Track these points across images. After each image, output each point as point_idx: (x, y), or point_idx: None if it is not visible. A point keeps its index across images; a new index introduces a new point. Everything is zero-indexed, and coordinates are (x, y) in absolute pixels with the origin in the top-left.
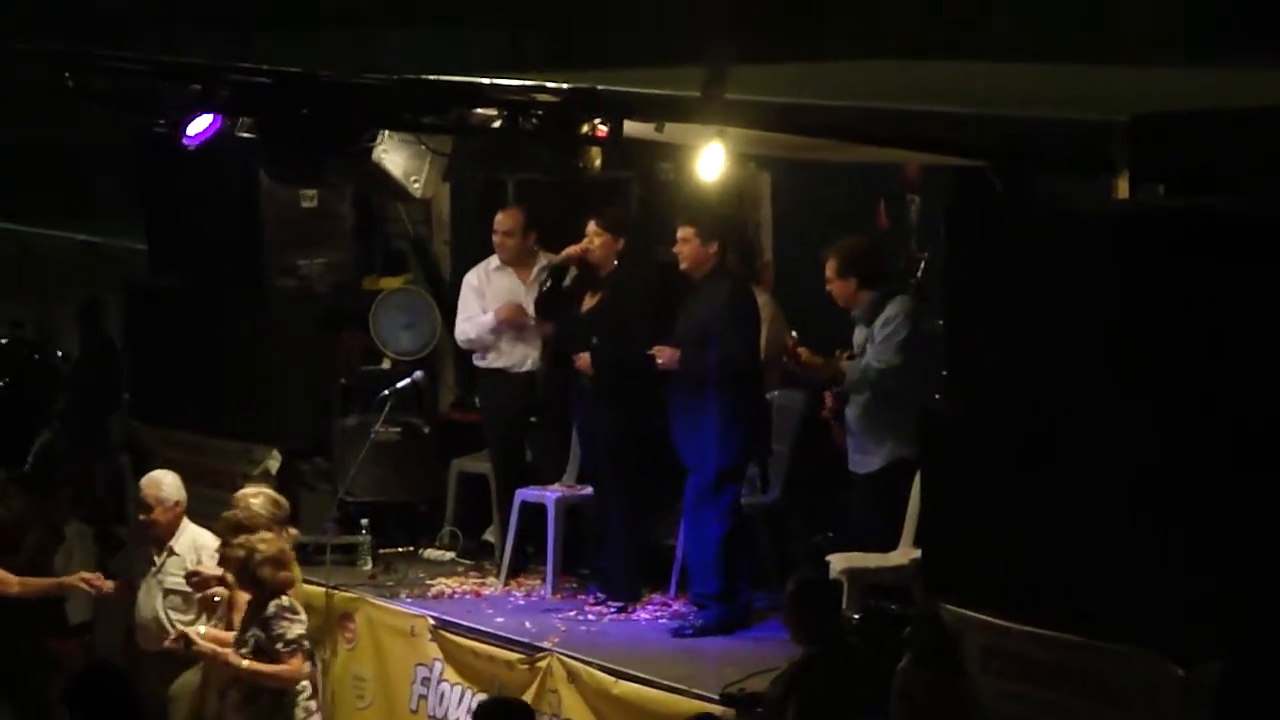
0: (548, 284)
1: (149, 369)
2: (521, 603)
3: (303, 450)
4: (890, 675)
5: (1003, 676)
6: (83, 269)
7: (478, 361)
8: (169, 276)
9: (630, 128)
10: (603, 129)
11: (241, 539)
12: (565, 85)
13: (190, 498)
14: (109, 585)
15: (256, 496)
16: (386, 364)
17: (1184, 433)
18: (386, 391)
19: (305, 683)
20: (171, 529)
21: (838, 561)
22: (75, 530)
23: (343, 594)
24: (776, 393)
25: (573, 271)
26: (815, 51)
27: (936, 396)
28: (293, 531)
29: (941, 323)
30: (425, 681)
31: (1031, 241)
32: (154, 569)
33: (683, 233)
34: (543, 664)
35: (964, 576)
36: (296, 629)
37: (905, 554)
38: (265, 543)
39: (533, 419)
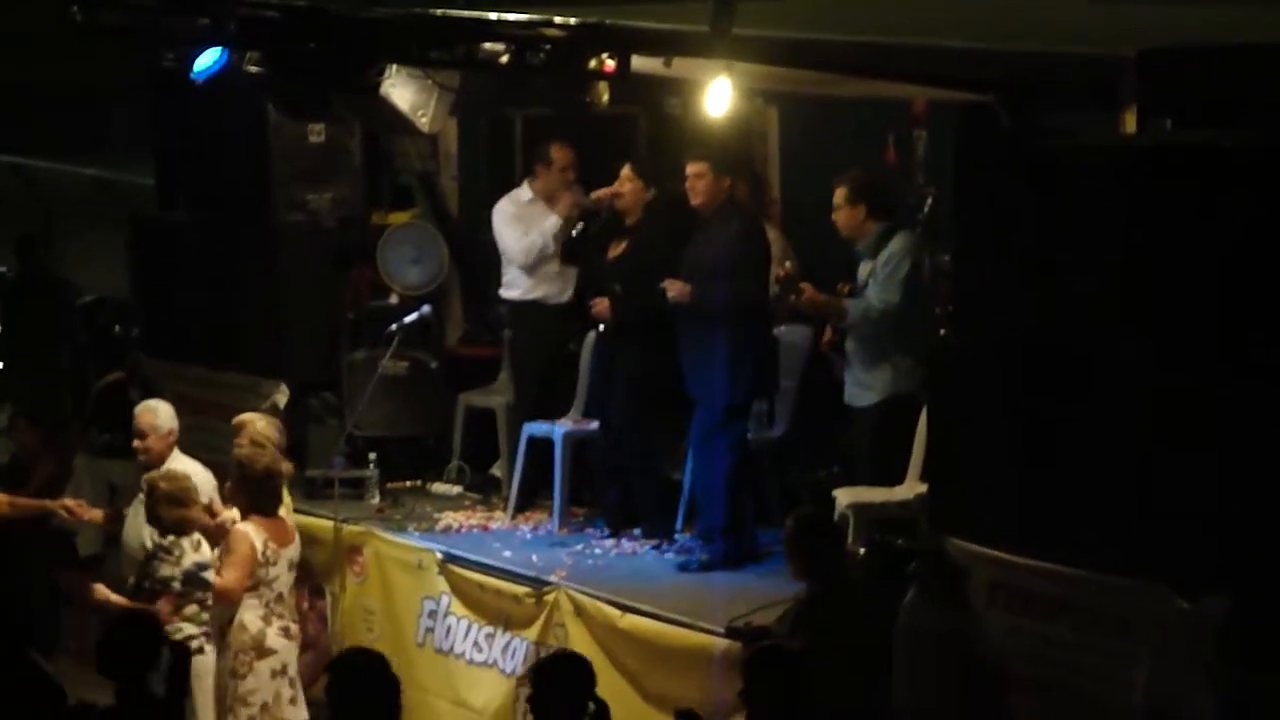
0: (579, 228)
1: (157, 304)
2: (529, 537)
3: (311, 385)
4: (896, 610)
5: (1008, 611)
6: (93, 204)
7: (508, 294)
8: (177, 211)
9: (638, 63)
10: (610, 64)
11: (147, 474)
12: (573, 20)
13: (199, 431)
14: (93, 514)
15: (261, 419)
16: (394, 299)
17: (1192, 366)
18: (394, 326)
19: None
20: (163, 456)
21: (843, 496)
22: (83, 463)
23: (350, 528)
24: (784, 328)
25: (599, 217)
26: None
27: (942, 331)
28: (288, 466)
29: (948, 257)
30: (432, 615)
31: (1039, 176)
32: (142, 497)
33: (695, 168)
34: (550, 598)
35: (970, 511)
36: (166, 569)
37: (911, 488)
38: (166, 480)
39: (571, 346)
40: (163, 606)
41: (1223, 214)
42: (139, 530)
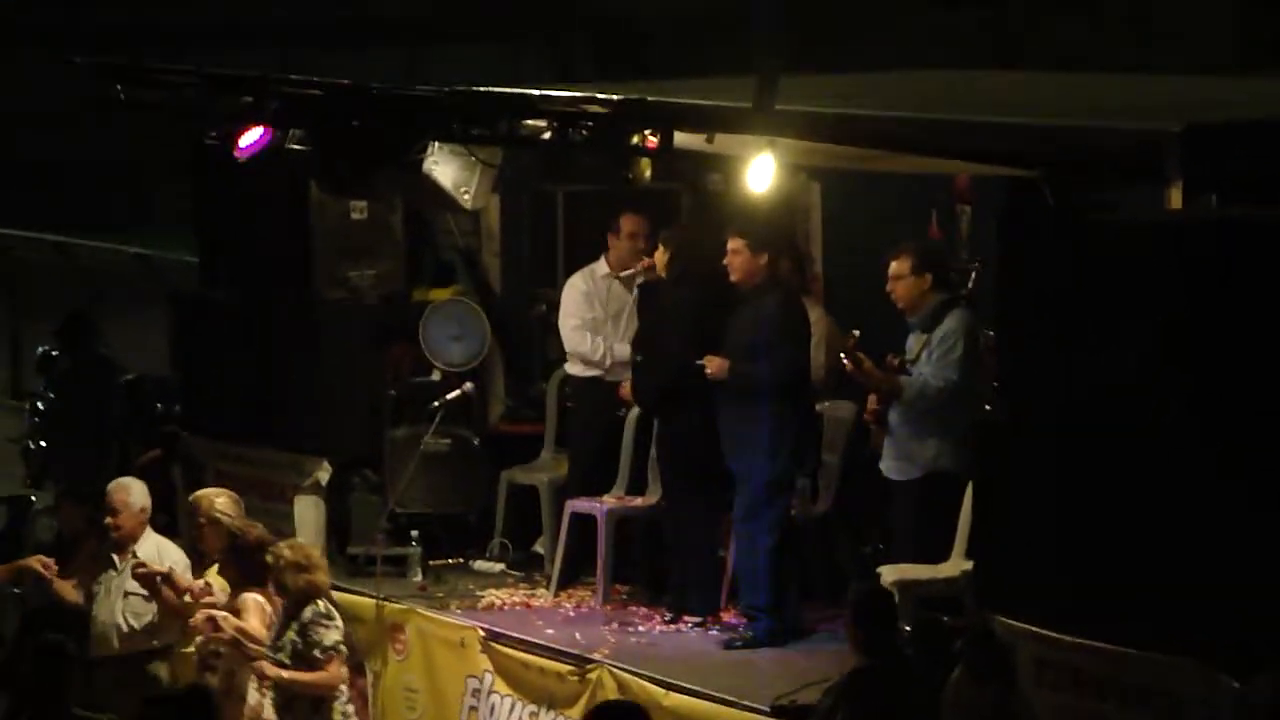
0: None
1: (198, 381)
2: (572, 614)
3: (353, 461)
4: (942, 688)
5: (1055, 689)
6: (135, 281)
7: (571, 369)
8: (220, 288)
9: (680, 139)
10: (653, 140)
11: (270, 546)
12: (615, 96)
13: (244, 510)
14: (61, 583)
15: (219, 496)
16: (436, 375)
17: (1239, 445)
18: (436, 403)
19: (343, 686)
20: (135, 535)
21: (888, 573)
22: None
23: (393, 605)
24: (828, 403)
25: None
26: (867, 61)
27: (988, 407)
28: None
29: (992, 333)
30: (475, 693)
31: (1084, 251)
32: (115, 573)
33: (733, 244)
34: (593, 675)
35: (1016, 588)
36: (333, 635)
37: (956, 565)
38: (291, 548)
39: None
40: (335, 671)
41: (1269, 290)
42: (111, 606)
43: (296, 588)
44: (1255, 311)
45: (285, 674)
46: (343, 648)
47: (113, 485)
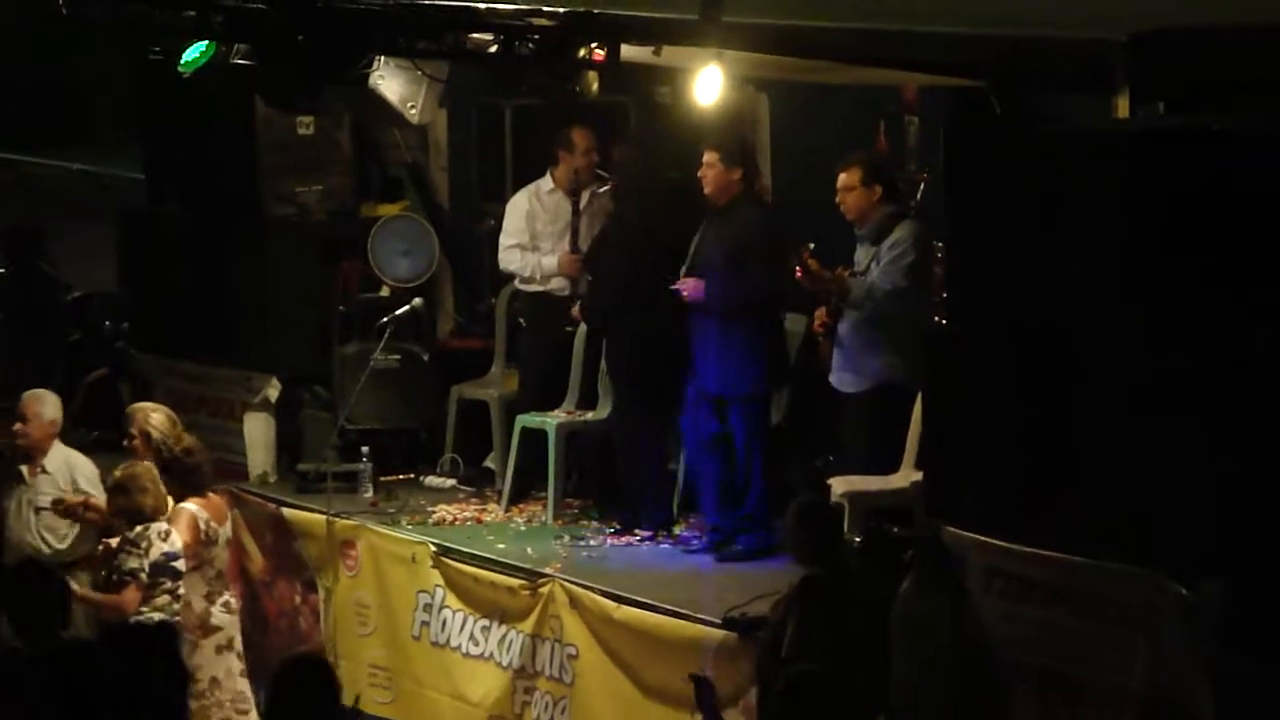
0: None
1: (147, 298)
2: (523, 529)
3: (302, 378)
4: (891, 598)
5: (1004, 598)
6: (82, 199)
7: (521, 285)
8: (167, 205)
9: (627, 52)
10: (600, 53)
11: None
12: (561, 9)
13: (192, 428)
14: None
15: (155, 412)
16: (385, 291)
17: (1187, 349)
18: (386, 319)
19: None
20: (43, 447)
21: (838, 485)
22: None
23: (344, 522)
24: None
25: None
26: None
27: (937, 318)
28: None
29: (940, 244)
30: (427, 608)
31: (1031, 161)
32: (24, 487)
33: (707, 158)
34: (545, 590)
35: (966, 499)
36: (132, 561)
37: (906, 477)
38: (121, 471)
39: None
40: (129, 597)
41: (1215, 197)
42: (23, 520)
43: (117, 509)
44: (1200, 217)
45: (79, 591)
46: (142, 575)
47: (27, 395)
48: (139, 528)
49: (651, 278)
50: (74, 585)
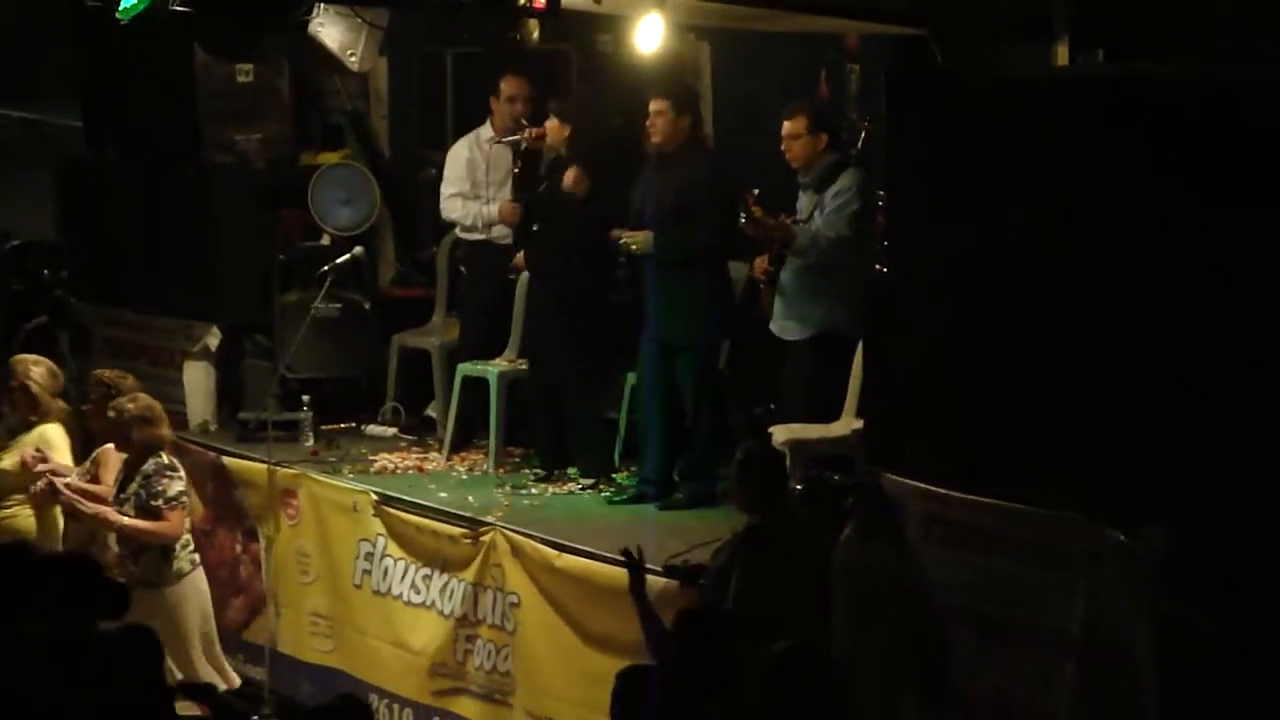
0: (518, 168)
1: (86, 247)
2: (464, 478)
3: (243, 327)
4: (832, 545)
5: (944, 545)
6: (19, 146)
7: (463, 234)
8: (105, 152)
9: None
10: (540, 0)
11: (111, 401)
12: None
13: (132, 375)
14: None
15: (36, 365)
16: (326, 240)
17: (1126, 297)
18: (326, 267)
19: (187, 536)
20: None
21: (779, 433)
22: None
23: (285, 470)
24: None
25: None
26: None
27: (878, 267)
28: (62, 405)
29: (882, 192)
30: (369, 557)
31: (972, 109)
32: None
33: (656, 105)
34: (486, 538)
35: (906, 447)
36: (176, 485)
37: (847, 425)
38: (133, 402)
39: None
40: (178, 520)
41: (1154, 145)
42: None
43: (141, 440)
44: (1139, 167)
45: (128, 522)
46: (185, 498)
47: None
48: (162, 455)
49: (592, 224)
50: (119, 518)
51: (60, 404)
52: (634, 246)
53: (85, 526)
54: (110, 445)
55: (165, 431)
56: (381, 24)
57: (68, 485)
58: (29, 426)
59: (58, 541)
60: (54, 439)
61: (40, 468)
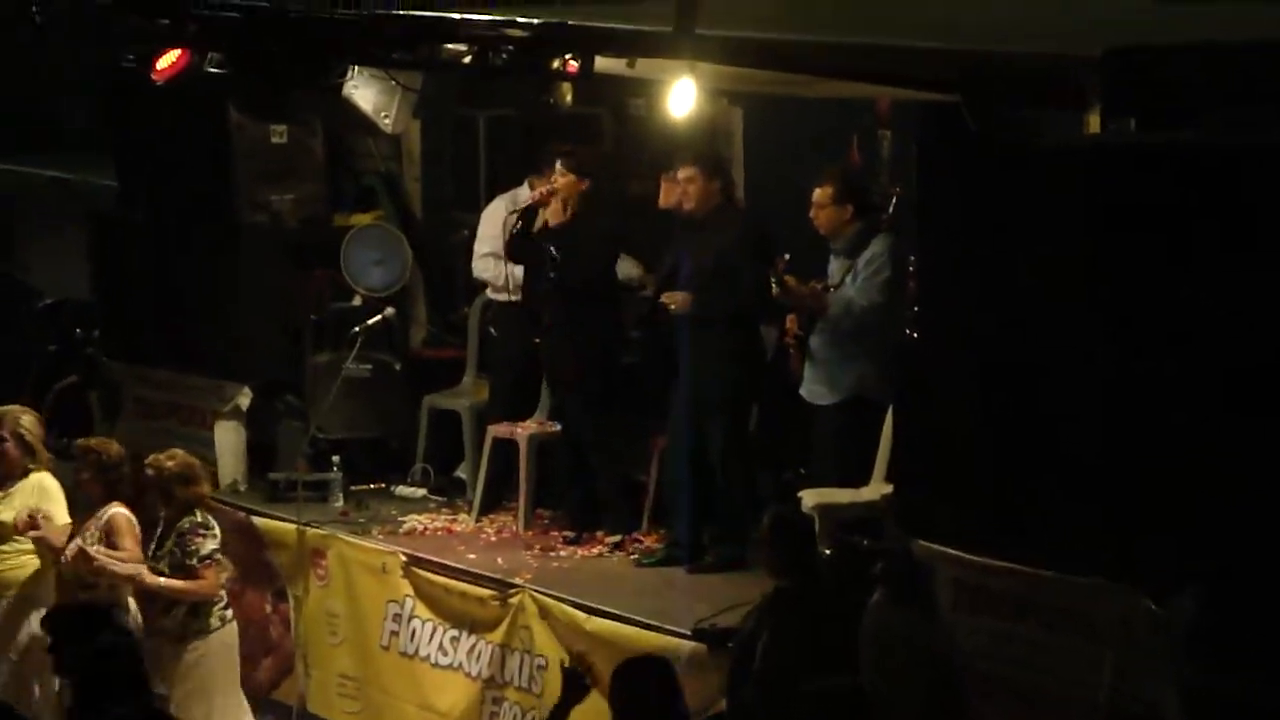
0: (518, 226)
1: (118, 305)
2: (493, 539)
3: (274, 387)
4: (861, 611)
5: (974, 611)
6: (52, 204)
7: (493, 295)
8: (138, 211)
9: (601, 63)
10: (573, 64)
11: (149, 458)
12: (535, 20)
13: (163, 435)
14: None
15: (24, 414)
16: (357, 300)
17: (1159, 367)
18: (357, 328)
19: (222, 592)
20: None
21: (809, 497)
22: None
23: (314, 531)
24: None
25: (542, 215)
26: None
27: (909, 332)
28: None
29: (913, 258)
30: (397, 618)
31: (1003, 176)
32: None
33: (686, 172)
34: (515, 600)
35: (936, 512)
36: (209, 544)
37: (876, 490)
38: (173, 460)
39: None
40: (212, 579)
41: (1186, 213)
42: None
43: (182, 499)
44: (1170, 235)
45: (163, 582)
46: (219, 556)
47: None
48: (198, 513)
49: (611, 283)
50: (155, 579)
51: (47, 453)
52: (673, 307)
53: (77, 569)
54: (119, 510)
55: (205, 489)
56: (415, 87)
57: (99, 552)
58: (24, 474)
59: (50, 591)
60: (51, 488)
61: (32, 534)
